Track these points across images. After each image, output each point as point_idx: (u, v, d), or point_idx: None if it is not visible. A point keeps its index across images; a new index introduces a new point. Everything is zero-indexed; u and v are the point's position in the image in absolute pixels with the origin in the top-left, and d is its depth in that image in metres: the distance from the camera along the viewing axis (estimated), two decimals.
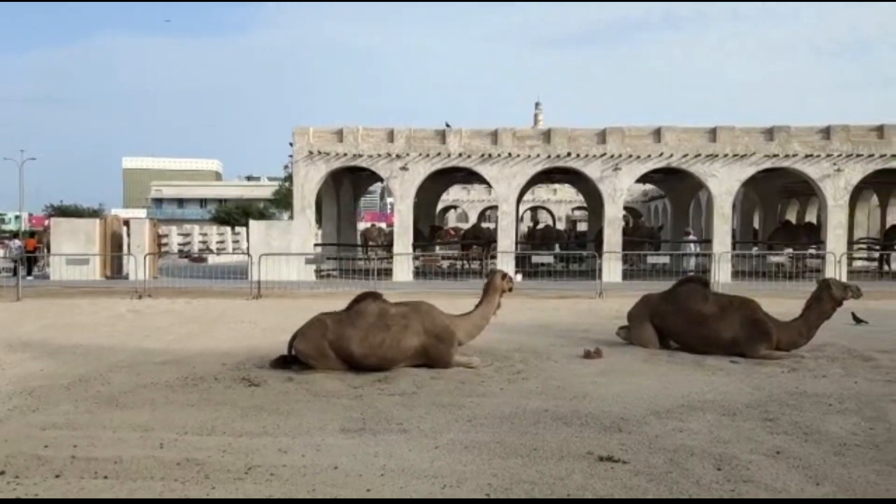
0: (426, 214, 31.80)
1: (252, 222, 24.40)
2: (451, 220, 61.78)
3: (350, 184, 27.79)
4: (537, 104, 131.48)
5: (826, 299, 9.37)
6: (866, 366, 8.86)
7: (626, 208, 59.99)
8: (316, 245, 25.56)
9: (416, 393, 7.23)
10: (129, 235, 24.44)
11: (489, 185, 26.84)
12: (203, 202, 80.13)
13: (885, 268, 25.94)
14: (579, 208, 52.77)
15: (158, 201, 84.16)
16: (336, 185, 26.61)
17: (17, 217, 64.43)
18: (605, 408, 6.55)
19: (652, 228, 32.91)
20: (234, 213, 55.27)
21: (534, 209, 67.02)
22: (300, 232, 23.03)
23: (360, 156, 23.09)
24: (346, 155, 23.08)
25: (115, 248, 24.23)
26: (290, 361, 8.30)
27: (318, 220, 28.91)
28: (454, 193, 53.78)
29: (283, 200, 53.95)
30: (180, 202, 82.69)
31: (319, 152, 23.03)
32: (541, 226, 41.40)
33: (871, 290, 19.28)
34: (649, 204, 49.89)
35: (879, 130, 22.41)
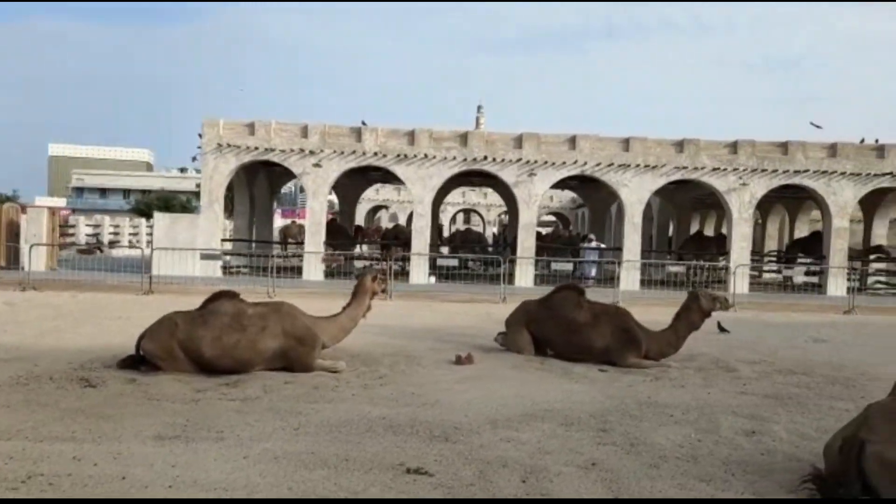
0: (345, 213, 31.45)
1: (157, 214, 23.63)
2: (384, 220, 61.37)
3: (265, 179, 27.17)
4: (479, 108, 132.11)
5: (694, 310, 9.48)
6: (728, 376, 8.98)
7: (555, 215, 60.91)
8: (224, 240, 24.93)
9: (259, 398, 6.96)
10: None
11: None
12: (126, 193, 77.67)
13: (790, 280, 26.72)
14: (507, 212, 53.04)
15: (80, 190, 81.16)
16: (249, 179, 25.99)
17: None
18: (446, 416, 6.41)
19: (572, 235, 33.25)
20: (156, 205, 53.76)
21: (466, 212, 67.23)
22: (206, 226, 22.39)
23: (272, 150, 22.57)
24: (257, 149, 22.52)
25: (11, 237, 23.10)
26: (139, 361, 7.92)
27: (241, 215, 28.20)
28: (385, 193, 53.47)
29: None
30: (103, 192, 79.91)
31: (229, 145, 22.41)
32: (462, 227, 41.42)
33: (771, 302, 19.94)
34: (577, 211, 50.48)
35: (784, 147, 23.07)
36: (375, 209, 59.49)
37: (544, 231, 48.82)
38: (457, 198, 59.72)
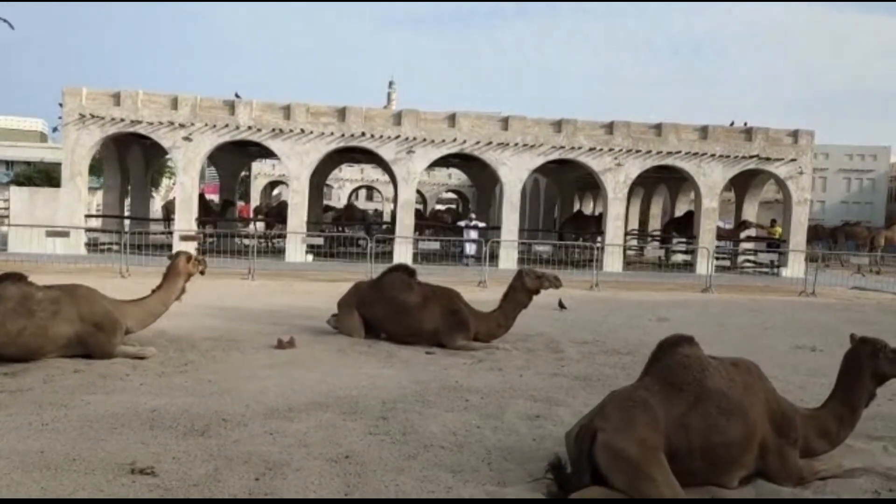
0: (225, 188, 30.47)
1: (13, 188, 22.28)
2: (284, 195, 60.08)
3: (141, 152, 25.93)
4: (391, 83, 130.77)
5: (520, 289, 9.47)
6: (551, 358, 9.02)
7: (456, 192, 61.01)
8: (90, 216, 23.72)
9: (31, 389, 6.48)
10: None
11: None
12: (9, 164, 73.11)
13: (665, 259, 27.57)
14: None
15: None
16: (121, 152, 24.75)
17: None
18: (224, 407, 6.11)
19: (456, 214, 33.33)
20: (36, 177, 50.75)
21: (369, 188, 66.62)
22: (68, 201, 21.21)
23: (140, 122, 21.51)
24: (123, 120, 21.41)
25: None
26: None
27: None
28: (282, 168, 52.16)
29: (93, 166, 49.92)
30: None
31: (93, 116, 21.23)
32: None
33: (635, 280, 20.46)
34: (473, 189, 50.71)
35: (657, 128, 23.64)
36: (273, 185, 58.24)
37: (443, 208, 48.94)
38: (355, 174, 59.12)
